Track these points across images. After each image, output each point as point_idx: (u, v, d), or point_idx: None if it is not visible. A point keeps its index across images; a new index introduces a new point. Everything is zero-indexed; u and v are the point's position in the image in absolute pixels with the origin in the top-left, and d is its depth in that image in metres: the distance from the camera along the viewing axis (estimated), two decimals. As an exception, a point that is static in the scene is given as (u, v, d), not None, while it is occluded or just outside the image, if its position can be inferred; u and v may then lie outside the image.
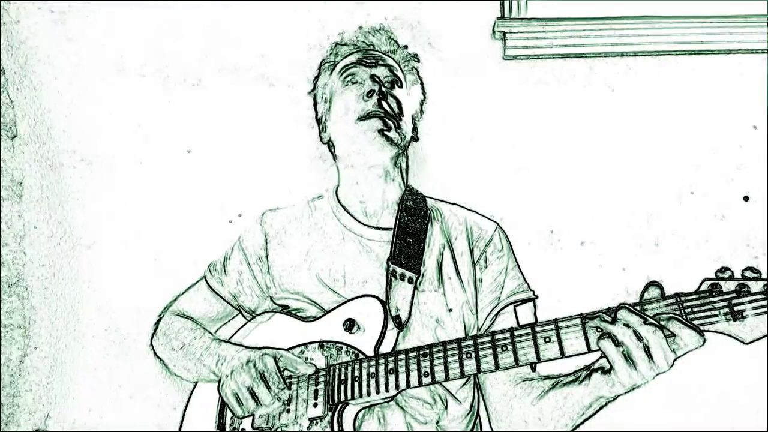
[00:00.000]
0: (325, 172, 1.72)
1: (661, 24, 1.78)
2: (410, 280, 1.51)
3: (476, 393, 1.54)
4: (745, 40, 1.77)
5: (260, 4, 1.81)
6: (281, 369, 1.46)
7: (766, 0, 1.79)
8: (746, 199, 1.72)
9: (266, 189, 1.73)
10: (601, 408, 1.34)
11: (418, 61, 1.71)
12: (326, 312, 1.51)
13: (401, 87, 1.63)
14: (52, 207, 1.76)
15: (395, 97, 1.60)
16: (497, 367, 1.31)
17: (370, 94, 1.57)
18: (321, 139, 1.69)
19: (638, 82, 1.78)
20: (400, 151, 1.61)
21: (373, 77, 1.59)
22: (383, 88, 1.59)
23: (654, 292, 1.26)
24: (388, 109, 1.58)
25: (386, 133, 1.56)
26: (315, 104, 1.71)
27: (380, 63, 1.63)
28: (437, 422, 1.49)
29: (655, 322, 1.21)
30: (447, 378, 1.34)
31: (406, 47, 1.70)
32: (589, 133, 1.76)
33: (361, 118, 1.57)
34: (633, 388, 1.26)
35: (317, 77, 1.71)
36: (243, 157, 1.77)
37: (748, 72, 1.77)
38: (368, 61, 1.62)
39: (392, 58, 1.66)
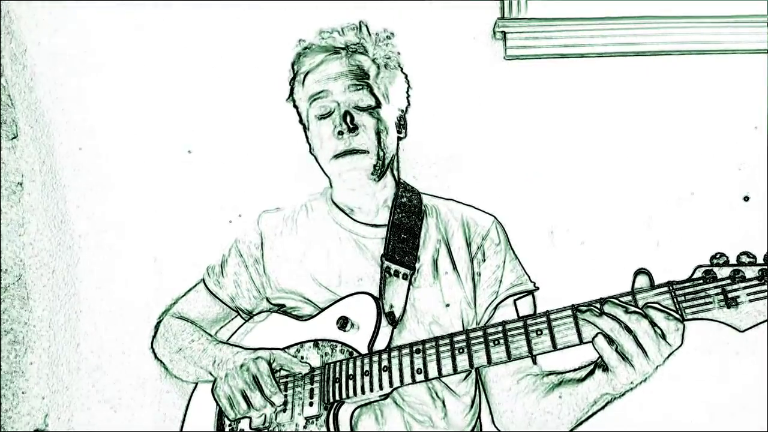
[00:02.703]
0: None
1: (661, 24, 1.78)
2: (405, 277, 1.51)
3: (477, 388, 1.54)
4: (745, 40, 1.77)
5: (260, 3, 1.81)
6: (277, 369, 1.46)
7: (766, 0, 1.80)
8: (746, 199, 1.72)
9: (266, 189, 1.73)
10: (607, 404, 1.33)
11: (391, 37, 1.61)
12: (321, 310, 1.51)
13: (378, 105, 1.55)
14: (51, 207, 1.76)
15: (375, 119, 1.53)
16: (489, 362, 1.30)
17: (340, 134, 1.51)
18: (309, 147, 1.63)
19: (638, 82, 1.78)
20: (383, 166, 1.56)
21: (343, 113, 1.52)
22: (354, 122, 1.51)
23: (643, 281, 1.25)
24: (361, 145, 1.51)
25: (364, 168, 1.53)
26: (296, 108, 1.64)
27: (352, 86, 1.53)
28: (440, 418, 1.48)
29: (639, 310, 1.20)
30: (440, 374, 1.34)
31: (377, 34, 1.60)
32: (589, 133, 1.76)
33: (336, 156, 1.52)
34: (634, 385, 1.25)
35: (293, 79, 1.63)
36: (243, 158, 1.77)
37: (748, 72, 1.77)
38: (333, 87, 1.53)
39: (368, 56, 1.57)
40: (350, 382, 1.40)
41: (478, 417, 1.54)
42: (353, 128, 1.51)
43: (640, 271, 1.25)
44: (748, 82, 1.76)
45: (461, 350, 1.32)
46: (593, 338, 1.23)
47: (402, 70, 1.63)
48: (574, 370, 1.37)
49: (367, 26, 1.61)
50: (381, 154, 1.54)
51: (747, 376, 1.65)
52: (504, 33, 1.79)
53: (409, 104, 1.65)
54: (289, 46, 1.79)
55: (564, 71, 1.79)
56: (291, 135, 1.76)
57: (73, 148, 1.78)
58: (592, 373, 1.30)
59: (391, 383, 1.37)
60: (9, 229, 1.74)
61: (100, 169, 1.78)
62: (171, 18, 1.80)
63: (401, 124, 1.62)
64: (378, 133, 1.54)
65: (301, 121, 1.64)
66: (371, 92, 1.55)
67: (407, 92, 1.65)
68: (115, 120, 1.79)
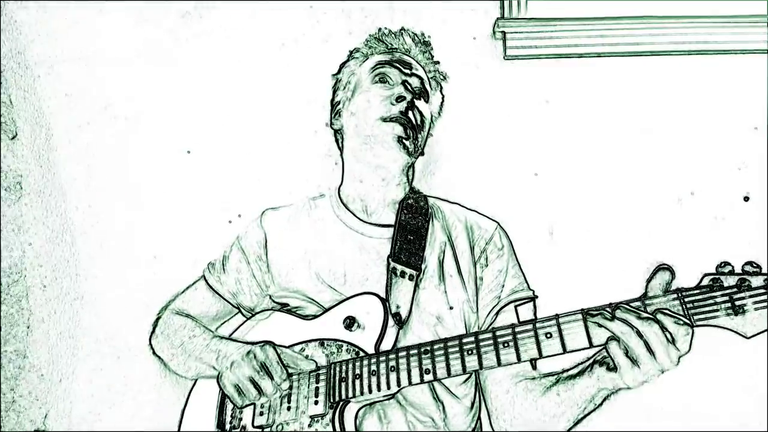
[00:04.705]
0: (329, 173, 1.72)
1: (661, 24, 1.78)
2: (411, 278, 1.51)
3: (477, 390, 1.54)
4: (745, 40, 1.77)
5: (260, 4, 1.81)
6: (280, 359, 1.46)
7: (766, 0, 1.79)
8: (746, 199, 1.72)
9: (267, 189, 1.73)
10: (604, 401, 1.34)
11: (445, 79, 1.71)
12: (326, 310, 1.51)
13: (426, 101, 1.63)
14: (51, 207, 1.76)
15: (419, 110, 1.60)
16: (499, 363, 1.31)
17: (399, 99, 1.57)
18: (331, 124, 1.68)
19: (638, 82, 1.78)
20: (411, 162, 1.62)
21: (405, 83, 1.59)
22: (413, 97, 1.59)
23: (664, 276, 1.26)
24: (412, 118, 1.57)
25: (404, 141, 1.56)
26: (335, 89, 1.70)
27: (413, 72, 1.63)
28: (442, 419, 1.49)
29: (651, 315, 1.22)
30: (449, 375, 1.34)
31: (437, 63, 1.70)
32: (589, 133, 1.76)
33: (384, 120, 1.56)
34: (638, 385, 1.26)
35: (345, 62, 1.69)
36: (243, 158, 1.76)
37: (748, 72, 1.77)
38: (403, 66, 1.62)
39: (423, 69, 1.66)
40: (357, 382, 1.40)
41: (478, 418, 1.55)
42: (412, 102, 1.58)
43: (661, 267, 1.27)
44: (748, 82, 1.77)
45: (470, 351, 1.33)
46: (606, 341, 1.25)
47: (443, 99, 1.72)
48: (570, 368, 1.38)
49: (432, 54, 1.71)
50: (419, 139, 1.60)
51: (747, 377, 1.65)
52: (504, 33, 1.79)
53: (433, 127, 1.69)
54: (292, 46, 1.79)
55: (564, 71, 1.79)
56: (293, 135, 1.76)
57: (72, 148, 1.78)
58: (591, 369, 1.31)
59: (399, 383, 1.37)
60: (9, 229, 1.74)
61: (99, 168, 1.77)
62: (171, 18, 1.80)
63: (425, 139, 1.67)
64: (422, 119, 1.60)
65: (332, 100, 1.68)
66: (423, 86, 1.63)
67: (434, 119, 1.70)
68: (114, 120, 1.79)
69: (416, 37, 1.68)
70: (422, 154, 1.67)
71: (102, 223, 1.76)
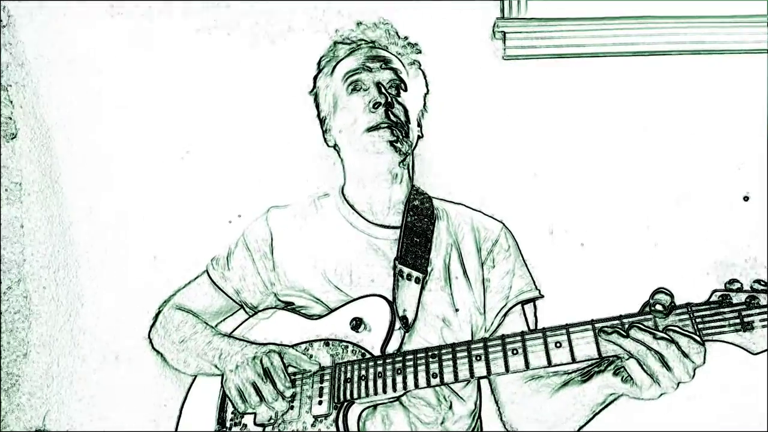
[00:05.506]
0: (329, 172, 1.72)
1: (661, 24, 1.78)
2: (417, 280, 1.51)
3: (479, 392, 1.55)
4: (745, 40, 1.77)
5: (258, 4, 1.81)
6: (286, 366, 1.46)
7: (766, 0, 1.79)
8: (746, 199, 1.72)
9: (267, 189, 1.73)
10: (612, 401, 1.36)
11: (420, 51, 1.68)
12: (332, 310, 1.51)
13: (406, 90, 1.61)
14: (51, 207, 1.76)
15: (401, 104, 1.58)
16: (507, 370, 1.32)
17: (376, 106, 1.55)
18: (325, 141, 1.67)
19: (638, 82, 1.78)
20: (408, 155, 1.61)
21: (378, 85, 1.57)
22: (389, 98, 1.56)
23: (662, 299, 1.27)
24: (395, 119, 1.55)
25: (395, 144, 1.55)
26: (317, 104, 1.69)
27: (384, 66, 1.60)
28: (441, 422, 1.49)
29: (665, 336, 1.23)
30: (456, 380, 1.35)
31: (406, 38, 1.67)
32: (589, 133, 1.76)
33: (369, 129, 1.55)
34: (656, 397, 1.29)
35: (317, 75, 1.68)
36: (243, 158, 1.76)
37: (748, 72, 1.77)
38: (371, 65, 1.59)
39: (394, 55, 1.63)
40: (362, 383, 1.40)
41: (478, 417, 1.55)
42: (390, 103, 1.55)
43: (659, 290, 1.28)
44: (748, 82, 1.76)
45: (479, 357, 1.34)
46: (625, 360, 1.26)
47: (423, 73, 1.69)
48: (579, 371, 1.39)
49: (397, 32, 1.68)
50: (410, 134, 1.58)
51: (747, 377, 1.65)
52: (504, 33, 1.79)
53: (425, 108, 1.68)
54: (293, 45, 1.79)
55: (563, 71, 1.79)
56: (293, 135, 1.76)
57: (72, 148, 1.78)
58: (601, 374, 1.33)
59: (405, 386, 1.38)
60: (9, 229, 1.74)
61: (99, 169, 1.77)
62: (169, 19, 1.80)
63: (419, 123, 1.66)
64: (406, 113, 1.58)
65: (319, 115, 1.67)
66: (399, 76, 1.60)
67: (425, 96, 1.68)
68: (114, 120, 1.79)
69: (376, 25, 1.66)
70: (421, 136, 1.66)
71: (102, 224, 1.76)
